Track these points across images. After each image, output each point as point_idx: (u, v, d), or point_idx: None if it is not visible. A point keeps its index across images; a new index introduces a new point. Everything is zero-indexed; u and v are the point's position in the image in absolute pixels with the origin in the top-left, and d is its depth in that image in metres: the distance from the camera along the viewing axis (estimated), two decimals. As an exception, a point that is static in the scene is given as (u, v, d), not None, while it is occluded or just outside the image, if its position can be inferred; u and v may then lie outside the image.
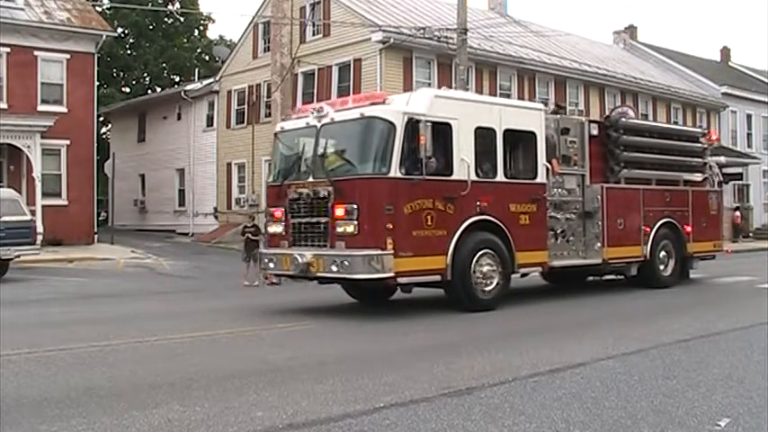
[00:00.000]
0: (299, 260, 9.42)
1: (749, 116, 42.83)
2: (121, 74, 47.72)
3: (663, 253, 13.08)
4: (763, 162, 41.37)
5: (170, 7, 47.15)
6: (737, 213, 34.98)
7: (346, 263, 8.98)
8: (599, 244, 11.82)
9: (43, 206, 23.34)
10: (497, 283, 10.10)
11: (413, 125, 9.21)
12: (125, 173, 33.52)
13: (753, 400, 5.12)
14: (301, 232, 9.76)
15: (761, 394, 5.24)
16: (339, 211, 9.15)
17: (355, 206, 9.02)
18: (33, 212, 19.56)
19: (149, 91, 45.39)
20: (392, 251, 8.95)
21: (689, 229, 13.57)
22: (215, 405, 5.04)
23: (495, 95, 28.26)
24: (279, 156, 10.72)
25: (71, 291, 14.04)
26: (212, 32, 57.04)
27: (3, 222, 15.73)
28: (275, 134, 10.92)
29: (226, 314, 10.04)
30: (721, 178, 15.27)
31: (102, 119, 38.23)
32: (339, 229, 9.15)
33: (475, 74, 27.66)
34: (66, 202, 25.94)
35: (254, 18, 30.65)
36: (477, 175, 10.01)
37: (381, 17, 26.81)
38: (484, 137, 10.21)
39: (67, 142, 25.95)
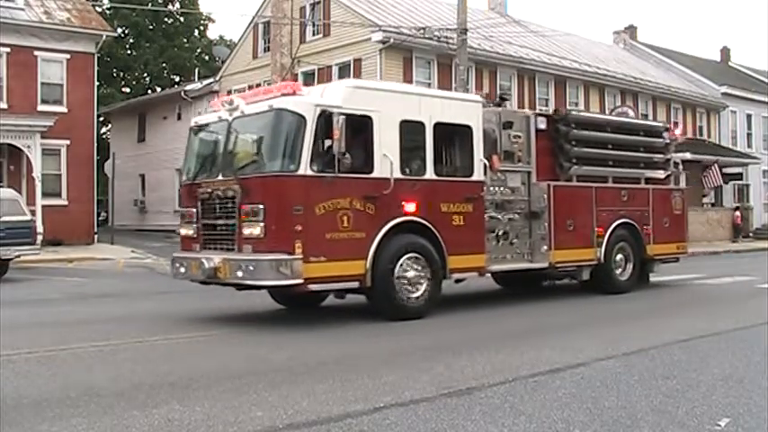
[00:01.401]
0: (206, 265, 8.72)
1: (749, 116, 42.85)
2: (121, 74, 47.74)
3: (619, 256, 12.19)
4: (763, 162, 41.40)
5: (170, 7, 47.18)
6: (737, 213, 34.99)
7: (251, 268, 8.25)
8: (545, 246, 11.00)
9: (43, 206, 23.35)
10: (425, 290, 9.27)
11: (326, 118, 8.45)
12: (125, 173, 33.52)
13: (753, 400, 5.12)
14: (211, 235, 9.08)
15: (761, 394, 5.24)
16: (246, 212, 8.47)
17: (261, 206, 8.33)
18: (33, 212, 19.56)
19: (149, 91, 45.41)
20: (301, 255, 8.20)
21: (649, 230, 12.68)
22: (215, 405, 5.04)
23: (496, 96, 28.30)
24: (191, 152, 10.01)
25: (71, 291, 14.04)
26: (212, 32, 57.07)
27: (3, 222, 15.74)
28: (190, 129, 10.16)
29: (226, 314, 10.03)
30: (680, 171, 14.44)
31: (102, 119, 38.24)
32: (246, 232, 8.47)
33: (475, 74, 27.68)
34: (66, 202, 25.96)
35: (254, 18, 30.66)
36: (403, 172, 9.23)
37: (381, 17, 26.82)
38: (411, 131, 9.42)
39: (67, 142, 25.97)
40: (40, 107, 25.55)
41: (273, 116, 8.66)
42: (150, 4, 43.59)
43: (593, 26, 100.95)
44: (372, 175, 8.95)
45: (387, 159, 9.01)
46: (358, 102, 8.94)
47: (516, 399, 5.15)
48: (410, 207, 9.22)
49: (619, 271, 12.19)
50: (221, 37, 50.73)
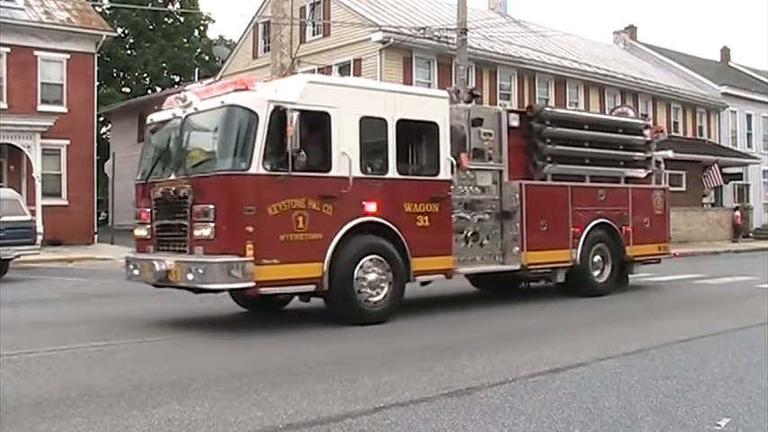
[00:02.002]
0: (157, 267, 8.40)
1: (749, 116, 42.89)
2: (121, 74, 47.75)
3: (597, 257, 11.73)
4: (763, 162, 41.43)
5: (170, 7, 47.19)
6: (737, 213, 35.00)
7: (201, 270, 7.93)
8: (517, 248, 10.57)
9: (43, 206, 23.35)
10: (387, 293, 8.91)
11: (279, 115, 8.11)
12: (125, 173, 33.39)
13: (753, 400, 5.12)
14: (164, 236, 8.79)
15: (761, 394, 5.25)
16: (197, 213, 8.18)
17: (212, 207, 8.01)
18: (33, 212, 19.56)
19: (149, 91, 45.42)
20: (252, 257, 7.87)
21: (628, 230, 12.21)
22: (215, 405, 5.04)
23: (495, 95, 28.37)
24: (146, 150, 9.74)
25: (71, 291, 14.04)
26: (212, 32, 57.07)
27: (3, 222, 15.74)
28: (146, 126, 9.84)
29: (224, 314, 10.03)
30: (662, 170, 13.62)
31: (102, 119, 38.26)
32: (197, 233, 8.15)
33: (475, 74, 27.69)
34: (66, 202, 25.97)
35: (254, 18, 30.68)
36: (363, 170, 8.87)
37: (381, 17, 26.83)
38: (372, 128, 9.05)
39: (67, 142, 25.98)
40: (40, 107, 25.55)
41: (225, 112, 8.33)
42: (150, 4, 43.61)
43: (594, 26, 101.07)
44: (330, 174, 8.60)
45: (345, 157, 8.65)
46: (315, 97, 8.56)
47: (516, 399, 5.15)
48: (371, 207, 8.87)
49: (596, 273, 11.77)
50: (221, 37, 50.77)
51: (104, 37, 27.42)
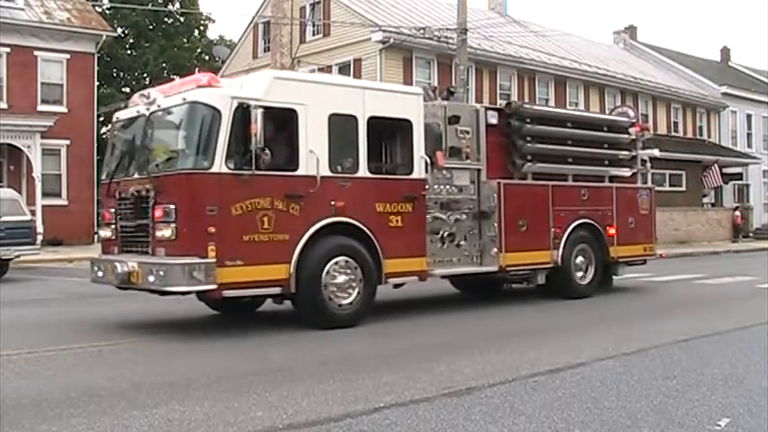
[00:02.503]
0: (119, 269, 8.17)
1: (749, 116, 42.90)
2: (121, 74, 47.72)
3: (580, 258, 11.41)
4: (763, 162, 41.45)
5: (170, 7, 47.17)
6: (737, 213, 35.01)
7: (161, 273, 7.70)
8: (495, 249, 10.28)
9: (43, 206, 23.37)
10: (357, 296, 8.63)
11: (243, 111, 7.87)
12: (125, 173, 33.49)
13: (753, 400, 5.12)
14: (128, 237, 8.58)
15: (761, 394, 5.25)
16: (158, 213, 7.94)
17: (173, 207, 7.78)
18: (33, 212, 19.58)
19: (149, 91, 45.28)
20: (215, 259, 7.65)
21: (612, 231, 11.86)
22: (215, 405, 5.04)
23: (495, 95, 28.37)
24: (111, 149, 9.46)
25: (71, 291, 14.03)
26: (212, 32, 57.05)
27: (3, 222, 15.74)
28: (111, 124, 9.55)
29: (225, 313, 10.02)
30: (647, 169, 13.16)
31: (102, 119, 38.22)
32: (158, 234, 7.94)
33: (475, 74, 27.72)
34: (66, 202, 25.98)
35: (254, 18, 30.70)
36: (333, 169, 8.59)
37: (381, 17, 26.84)
38: (341, 125, 8.77)
39: (67, 142, 25.99)
40: (40, 107, 25.56)
41: (187, 110, 8.11)
42: (150, 4, 43.58)
43: (594, 26, 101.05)
44: (297, 173, 8.34)
45: (313, 156, 8.38)
46: (281, 94, 8.30)
47: (516, 399, 5.15)
48: (340, 207, 8.61)
49: (579, 274, 11.44)
50: (221, 37, 50.72)
51: (104, 37, 27.45)
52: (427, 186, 9.59)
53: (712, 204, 37.61)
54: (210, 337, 8.21)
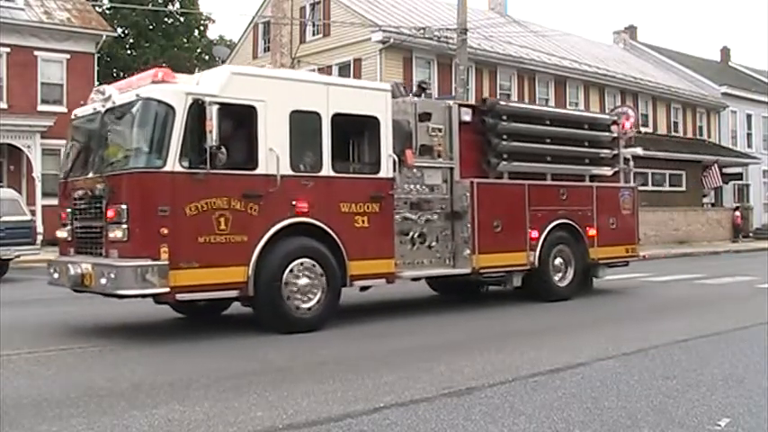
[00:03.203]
0: (71, 271, 7.95)
1: (749, 116, 42.92)
2: (121, 74, 47.67)
3: (558, 260, 11.08)
4: (763, 162, 41.46)
5: (170, 7, 47.18)
6: (737, 213, 35.03)
7: (112, 275, 7.46)
8: (468, 250, 9.97)
9: (43, 206, 23.36)
10: (320, 300, 8.34)
11: (198, 108, 7.60)
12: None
13: (753, 400, 5.12)
14: (83, 238, 8.35)
15: (761, 394, 5.24)
16: (110, 213, 7.67)
17: (125, 207, 7.52)
18: (33, 212, 19.59)
19: (149, 91, 45.29)
20: (168, 261, 7.39)
21: (593, 231, 11.50)
22: (215, 405, 5.04)
23: (496, 95, 28.36)
24: (69, 147, 9.22)
25: (71, 291, 14.01)
26: (212, 32, 57.07)
27: (3, 222, 15.74)
28: (69, 122, 9.36)
29: (226, 314, 10.02)
30: (630, 167, 12.78)
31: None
32: (111, 235, 7.68)
33: (475, 74, 27.73)
34: (66, 203, 25.95)
35: (254, 18, 30.71)
36: (295, 168, 8.32)
37: (381, 17, 26.85)
38: (304, 123, 8.49)
39: (67, 142, 25.97)
40: (40, 107, 25.56)
41: (140, 106, 7.81)
42: (150, 4, 43.60)
43: (594, 26, 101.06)
44: (256, 172, 8.06)
45: (273, 154, 8.10)
46: (239, 90, 8.02)
47: (516, 399, 5.15)
48: (302, 207, 8.31)
49: (558, 276, 11.12)
50: (221, 37, 50.75)
51: (104, 37, 27.45)
52: (395, 186, 9.32)
53: (712, 204, 37.62)
54: (210, 337, 8.20)
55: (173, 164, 7.53)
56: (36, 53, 25.68)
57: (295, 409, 4.91)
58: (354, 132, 9.26)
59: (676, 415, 4.75)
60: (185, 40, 48.79)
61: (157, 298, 7.82)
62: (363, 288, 9.48)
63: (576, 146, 11.75)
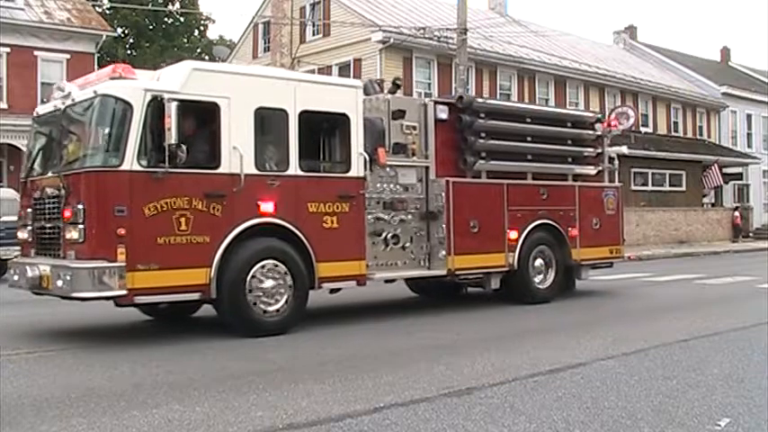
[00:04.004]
0: (29, 273, 7.73)
1: (749, 116, 42.92)
2: (121, 74, 47.70)
3: (539, 261, 10.86)
4: (763, 162, 41.46)
5: (170, 7, 47.18)
6: (737, 213, 35.04)
7: (68, 277, 7.24)
8: (443, 251, 9.73)
9: (43, 206, 23.34)
10: (287, 302, 8.16)
11: (158, 105, 7.39)
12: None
13: (753, 400, 5.12)
14: (42, 239, 8.12)
15: (761, 394, 5.25)
16: (67, 214, 7.46)
17: (81, 207, 7.31)
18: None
19: (149, 91, 45.31)
20: (125, 263, 7.19)
21: (575, 232, 11.24)
22: (215, 405, 5.04)
23: (496, 95, 28.36)
24: (30, 146, 9.03)
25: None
26: (212, 32, 57.10)
27: (3, 222, 15.74)
28: (32, 120, 9.14)
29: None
30: (615, 167, 12.52)
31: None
32: (67, 236, 7.47)
33: (475, 74, 27.72)
34: (66, 202, 25.96)
35: (254, 18, 30.71)
36: (260, 167, 8.11)
37: (381, 17, 26.85)
38: (270, 120, 8.30)
39: (67, 142, 25.98)
40: (40, 107, 25.57)
41: (97, 103, 7.60)
42: (150, 4, 43.61)
43: (594, 26, 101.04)
44: (218, 171, 7.83)
45: (237, 152, 7.87)
46: (201, 86, 7.79)
47: (516, 399, 5.15)
48: (267, 207, 8.10)
49: (538, 278, 10.88)
50: (221, 37, 50.76)
51: (104, 37, 27.46)
52: (366, 185, 9.07)
53: (712, 204, 37.62)
54: (210, 337, 8.20)
55: (130, 162, 7.34)
56: (36, 53, 25.69)
57: (295, 409, 4.91)
58: (324, 130, 9.07)
59: (676, 415, 4.75)
60: (185, 40, 48.80)
61: (116, 301, 7.59)
62: (333, 290, 9.25)
63: (559, 144, 11.49)
